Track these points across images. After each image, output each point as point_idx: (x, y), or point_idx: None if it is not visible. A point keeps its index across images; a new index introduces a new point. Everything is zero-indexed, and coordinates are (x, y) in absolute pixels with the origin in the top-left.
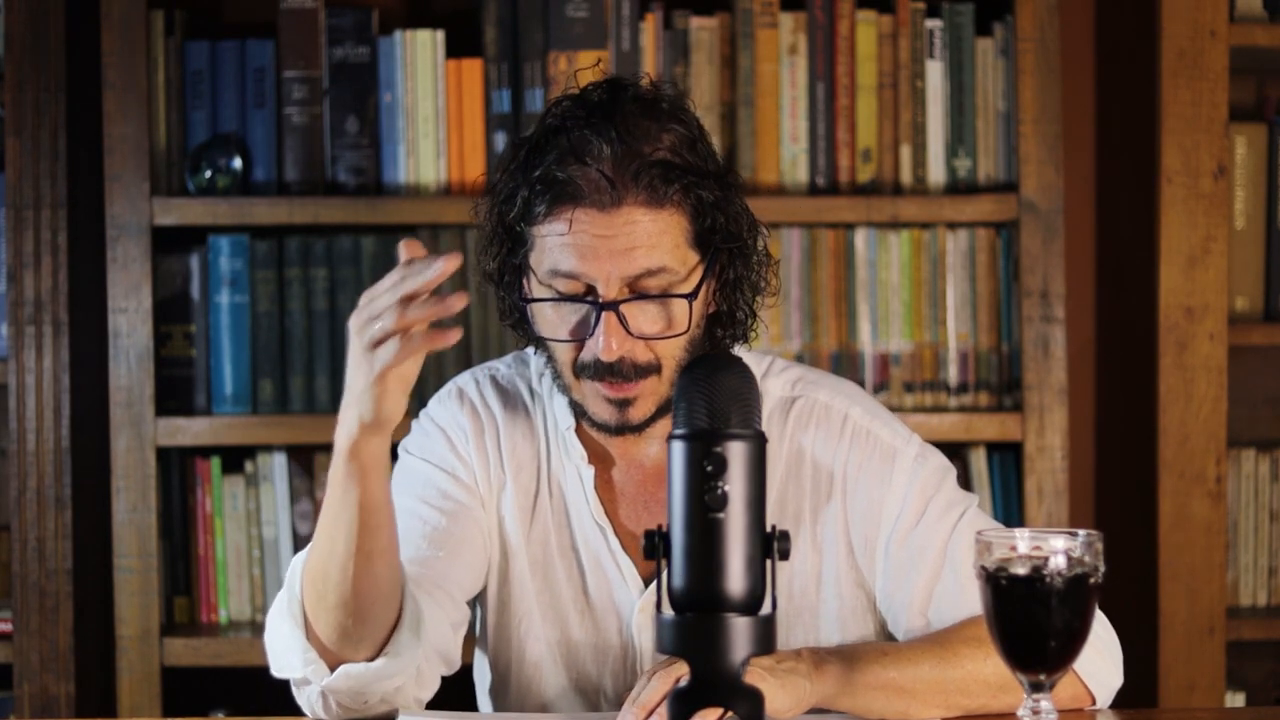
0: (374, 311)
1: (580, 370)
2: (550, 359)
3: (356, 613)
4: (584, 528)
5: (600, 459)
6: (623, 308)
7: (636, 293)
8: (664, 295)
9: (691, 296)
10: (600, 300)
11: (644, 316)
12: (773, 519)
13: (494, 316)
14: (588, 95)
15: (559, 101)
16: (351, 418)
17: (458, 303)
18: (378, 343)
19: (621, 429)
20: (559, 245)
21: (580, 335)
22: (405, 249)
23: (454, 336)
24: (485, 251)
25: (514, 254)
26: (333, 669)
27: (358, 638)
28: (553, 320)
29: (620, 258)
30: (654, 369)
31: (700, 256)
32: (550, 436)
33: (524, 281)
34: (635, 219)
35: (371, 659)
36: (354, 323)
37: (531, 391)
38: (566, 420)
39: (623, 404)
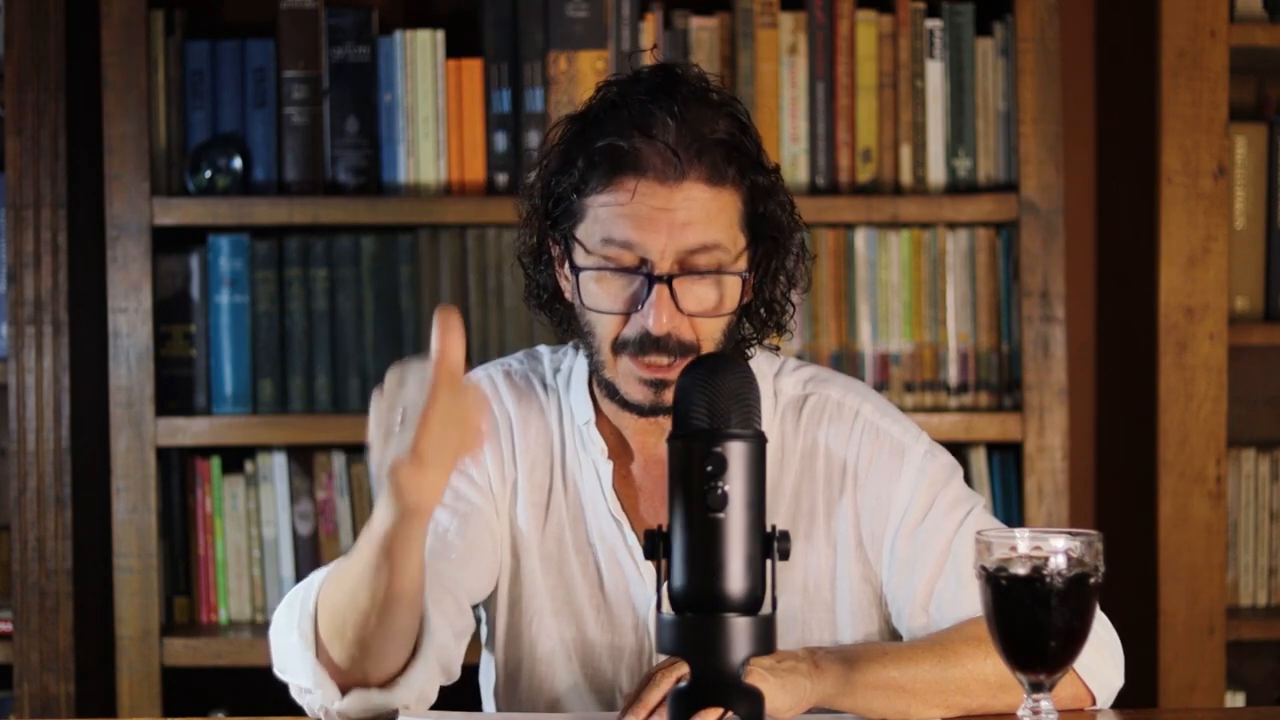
0: (395, 402)
1: (620, 346)
2: (587, 337)
3: (373, 654)
4: (600, 523)
5: (619, 453)
6: (675, 283)
7: (688, 269)
8: (719, 271)
9: (747, 274)
10: (653, 272)
11: (694, 293)
12: (788, 515)
13: (494, 317)
14: (642, 75)
15: (610, 82)
16: (386, 507)
17: (483, 405)
18: (392, 433)
19: (655, 409)
20: (616, 215)
21: (629, 308)
22: (441, 315)
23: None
24: (526, 225)
25: (558, 227)
26: (343, 688)
27: (371, 670)
28: (598, 293)
29: (678, 231)
30: (693, 349)
31: (748, 240)
32: (566, 431)
33: (570, 255)
34: (695, 195)
35: (383, 684)
36: (374, 403)
37: (545, 386)
38: (584, 414)
39: (658, 385)
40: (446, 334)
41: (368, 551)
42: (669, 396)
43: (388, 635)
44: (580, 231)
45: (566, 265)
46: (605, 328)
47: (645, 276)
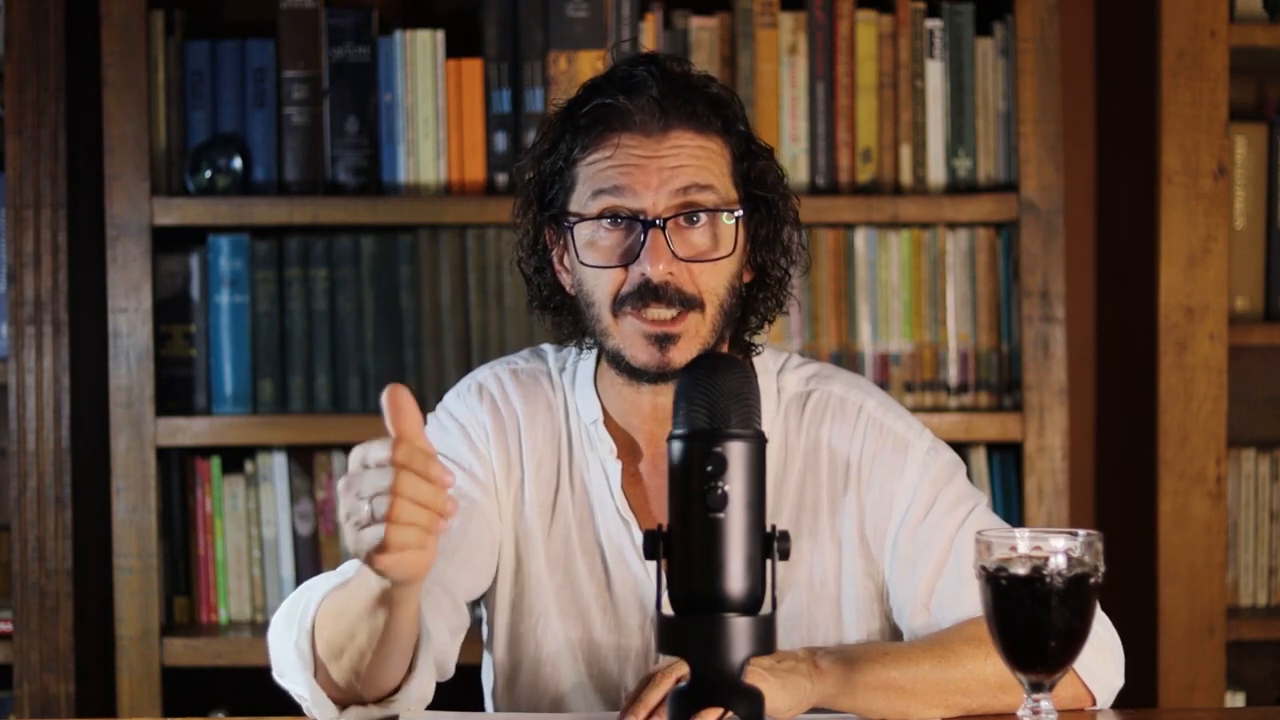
0: (361, 490)
1: (621, 303)
2: (588, 308)
3: (370, 680)
4: (608, 523)
5: (627, 453)
6: (670, 230)
7: (681, 211)
8: (713, 209)
9: (738, 213)
10: (646, 218)
11: (689, 239)
12: (792, 512)
13: (495, 317)
14: (624, 57)
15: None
16: (373, 577)
17: (448, 477)
18: (361, 524)
19: (662, 369)
20: (605, 167)
21: (626, 260)
22: (390, 396)
23: (444, 527)
24: (521, 220)
25: (552, 208)
26: (340, 705)
27: (368, 691)
28: (594, 251)
29: (668, 175)
30: (697, 303)
31: (740, 198)
32: (573, 430)
33: (567, 231)
34: (682, 142)
35: (381, 699)
36: (341, 488)
37: (553, 385)
38: (591, 413)
39: (664, 341)
40: (399, 416)
41: (363, 597)
42: (676, 357)
43: (384, 664)
44: (573, 201)
45: (565, 257)
46: (604, 287)
47: (640, 223)
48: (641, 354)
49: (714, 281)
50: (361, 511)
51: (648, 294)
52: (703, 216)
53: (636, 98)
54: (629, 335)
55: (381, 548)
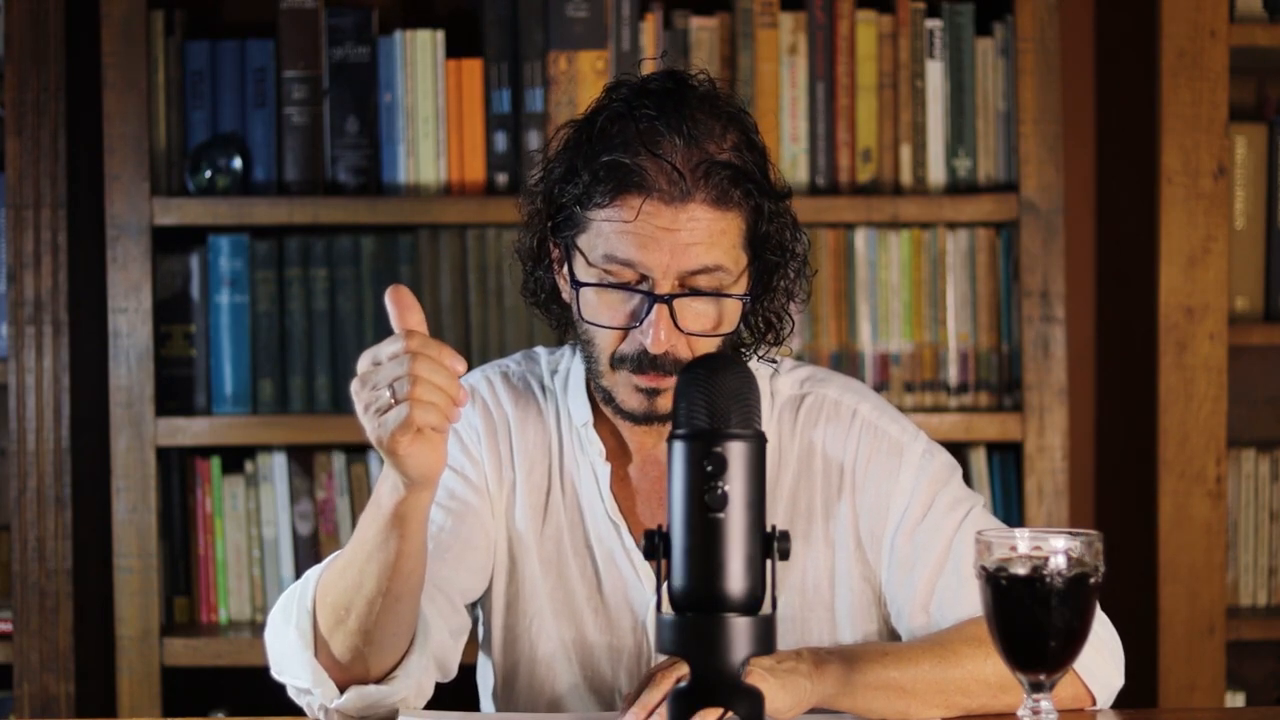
0: (379, 381)
1: (618, 361)
2: (585, 344)
3: (376, 641)
4: (598, 525)
5: (617, 455)
6: (675, 302)
7: (688, 289)
8: (719, 294)
9: (746, 297)
10: (654, 291)
11: (693, 313)
12: (786, 516)
13: (495, 317)
14: (650, 85)
15: (617, 87)
16: (392, 478)
17: (459, 364)
18: (382, 410)
19: (649, 417)
20: (619, 232)
21: (628, 324)
22: (394, 295)
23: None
24: (528, 226)
25: (560, 232)
26: (341, 685)
27: (372, 661)
28: (598, 306)
29: (680, 252)
30: None
31: (749, 259)
32: (564, 432)
33: (570, 264)
34: (699, 216)
35: (381, 679)
36: (356, 387)
37: (543, 388)
38: (582, 416)
39: (653, 393)
40: (405, 311)
41: (373, 529)
42: (663, 405)
43: (391, 618)
44: (582, 242)
45: (566, 270)
46: (604, 342)
47: (646, 295)
48: (631, 401)
49: (709, 347)
50: (383, 399)
51: (645, 363)
52: (709, 296)
53: (659, 160)
54: (621, 384)
55: (405, 426)
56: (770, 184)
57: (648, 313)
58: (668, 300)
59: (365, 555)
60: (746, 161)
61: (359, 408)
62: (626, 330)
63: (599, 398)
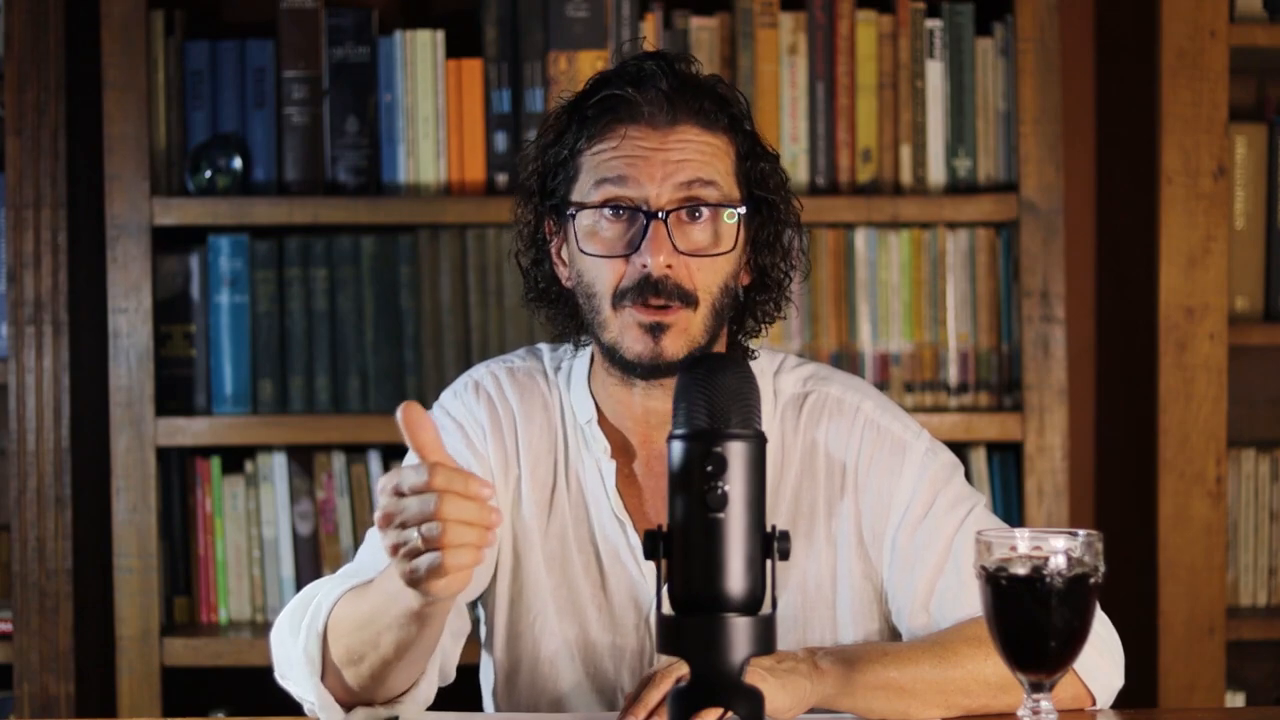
0: (406, 520)
1: (620, 297)
2: (587, 299)
3: (388, 682)
4: (603, 523)
5: (622, 452)
6: (671, 224)
7: (683, 205)
8: (716, 204)
9: (741, 208)
10: (648, 209)
11: (690, 233)
12: (788, 514)
13: (495, 317)
14: (633, 58)
15: (602, 72)
16: (411, 595)
17: (487, 489)
18: (412, 555)
19: (654, 362)
20: (609, 157)
21: (627, 251)
22: (405, 414)
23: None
24: (521, 212)
25: (554, 197)
26: (346, 706)
27: (380, 693)
28: (595, 241)
29: (672, 168)
30: (692, 300)
31: (743, 196)
32: (569, 429)
33: (569, 222)
34: (688, 136)
35: (388, 701)
36: (381, 523)
37: (548, 382)
38: (585, 413)
39: (657, 329)
40: (419, 431)
41: (393, 611)
42: (669, 348)
43: (406, 669)
44: (576, 191)
45: (564, 249)
46: (605, 279)
47: (642, 214)
48: (636, 344)
49: (711, 279)
50: (412, 541)
51: (647, 288)
52: (704, 212)
53: (645, 90)
54: (625, 327)
55: (438, 573)
56: (757, 133)
57: (645, 234)
58: (664, 217)
59: (384, 624)
60: (732, 95)
61: (386, 545)
62: (626, 259)
63: (604, 354)
